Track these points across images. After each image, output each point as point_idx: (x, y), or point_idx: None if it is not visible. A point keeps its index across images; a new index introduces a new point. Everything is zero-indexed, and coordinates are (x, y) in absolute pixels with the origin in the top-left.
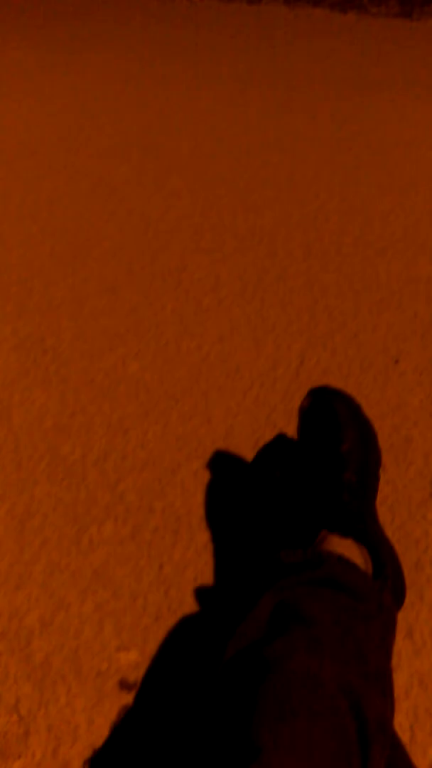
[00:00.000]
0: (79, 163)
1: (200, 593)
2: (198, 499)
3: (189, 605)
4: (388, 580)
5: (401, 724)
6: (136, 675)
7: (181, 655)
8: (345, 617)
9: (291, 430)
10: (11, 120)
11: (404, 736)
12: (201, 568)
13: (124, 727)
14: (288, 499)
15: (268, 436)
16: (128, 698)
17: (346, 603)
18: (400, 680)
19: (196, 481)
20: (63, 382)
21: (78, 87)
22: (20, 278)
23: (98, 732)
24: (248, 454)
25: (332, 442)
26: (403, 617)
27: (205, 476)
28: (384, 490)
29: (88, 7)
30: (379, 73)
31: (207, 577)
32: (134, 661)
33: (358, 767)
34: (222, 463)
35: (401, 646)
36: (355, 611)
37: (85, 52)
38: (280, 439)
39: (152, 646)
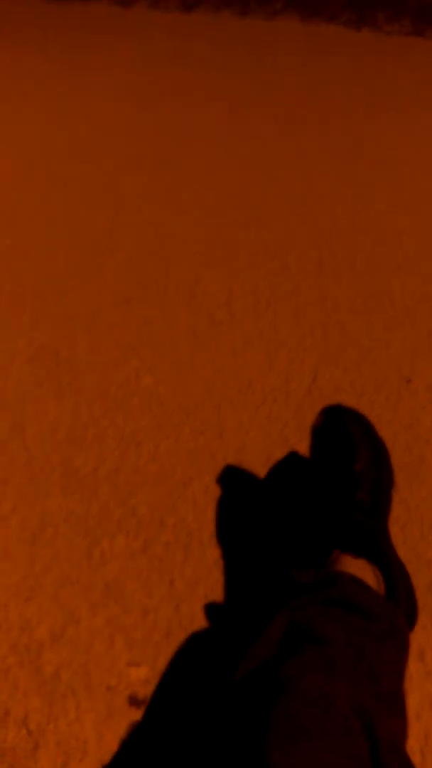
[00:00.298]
0: (92, 175)
1: (211, 610)
2: (209, 514)
3: (200, 621)
4: (400, 601)
5: (412, 747)
6: (146, 691)
7: (191, 672)
8: (358, 638)
9: (303, 445)
10: (26, 132)
11: (415, 759)
12: (212, 585)
13: (132, 743)
14: (300, 518)
15: (280, 451)
16: (137, 714)
17: (359, 623)
18: (411, 703)
19: (207, 496)
20: (76, 395)
21: (92, 100)
22: (35, 290)
23: (107, 747)
24: (260, 469)
25: (345, 462)
26: (414, 639)
27: (216, 491)
28: (396, 510)
29: (104, 20)
30: (392, 90)
31: (218, 593)
32: (144, 676)
33: None
34: (234, 479)
35: (412, 668)
36: (367, 632)
37: (100, 65)
38: (293, 457)
39: (162, 662)
